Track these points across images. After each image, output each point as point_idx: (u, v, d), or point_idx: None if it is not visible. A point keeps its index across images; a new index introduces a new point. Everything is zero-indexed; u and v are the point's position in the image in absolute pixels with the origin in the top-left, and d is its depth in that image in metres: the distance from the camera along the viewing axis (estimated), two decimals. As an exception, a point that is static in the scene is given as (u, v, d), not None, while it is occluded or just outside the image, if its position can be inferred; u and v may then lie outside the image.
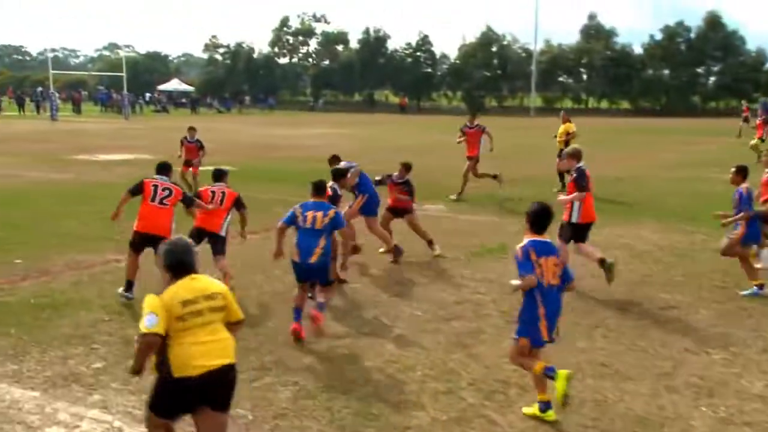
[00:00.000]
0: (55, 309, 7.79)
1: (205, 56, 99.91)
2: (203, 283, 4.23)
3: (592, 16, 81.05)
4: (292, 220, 7.22)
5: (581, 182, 8.63)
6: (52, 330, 7.18)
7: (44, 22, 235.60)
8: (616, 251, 10.31)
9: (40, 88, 69.59)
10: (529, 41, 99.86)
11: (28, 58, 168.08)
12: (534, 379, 5.49)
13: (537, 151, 26.37)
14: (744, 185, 8.58)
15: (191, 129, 16.25)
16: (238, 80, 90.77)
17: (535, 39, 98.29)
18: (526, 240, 5.37)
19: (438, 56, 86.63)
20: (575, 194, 8.66)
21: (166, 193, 8.34)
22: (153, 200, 8.26)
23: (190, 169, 16.13)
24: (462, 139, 15.88)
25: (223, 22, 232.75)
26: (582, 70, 78.50)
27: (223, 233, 8.62)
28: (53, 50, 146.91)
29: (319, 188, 7.39)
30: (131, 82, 68.20)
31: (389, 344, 6.93)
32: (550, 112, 62.72)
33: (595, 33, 77.85)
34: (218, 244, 8.56)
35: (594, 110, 74.57)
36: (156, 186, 8.34)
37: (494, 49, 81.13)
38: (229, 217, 8.66)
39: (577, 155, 8.80)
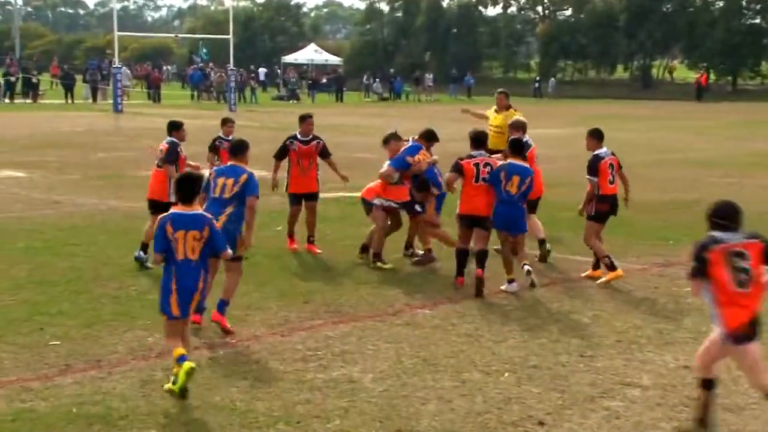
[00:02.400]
0: (109, 425, 8.20)
1: (362, 6, 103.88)
2: None
3: None
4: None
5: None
6: (103, 459, 7.58)
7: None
8: None
9: (108, 61, 73.41)
10: None
11: (82, 12, 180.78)
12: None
13: None
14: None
15: (227, 122, 16.70)
16: (415, 47, 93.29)
17: None
18: (171, 211, 8.75)
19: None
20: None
21: (161, 153, 14.27)
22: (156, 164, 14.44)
23: None
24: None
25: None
26: None
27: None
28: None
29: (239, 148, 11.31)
30: (241, 50, 71.85)
31: None
32: None
33: None
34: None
35: None
36: (161, 149, 14.36)
37: None
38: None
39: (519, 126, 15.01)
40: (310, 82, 77.40)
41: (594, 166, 13.33)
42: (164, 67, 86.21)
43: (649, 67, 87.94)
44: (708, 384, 8.05)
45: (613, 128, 42.67)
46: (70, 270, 13.88)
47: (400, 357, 10.04)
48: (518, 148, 13.46)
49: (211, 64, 78.21)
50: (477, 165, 12.88)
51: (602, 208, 13.36)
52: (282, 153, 15.74)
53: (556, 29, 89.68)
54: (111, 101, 55.95)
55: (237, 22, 72.88)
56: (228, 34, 61.80)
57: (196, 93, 72.12)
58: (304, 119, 15.91)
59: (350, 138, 35.18)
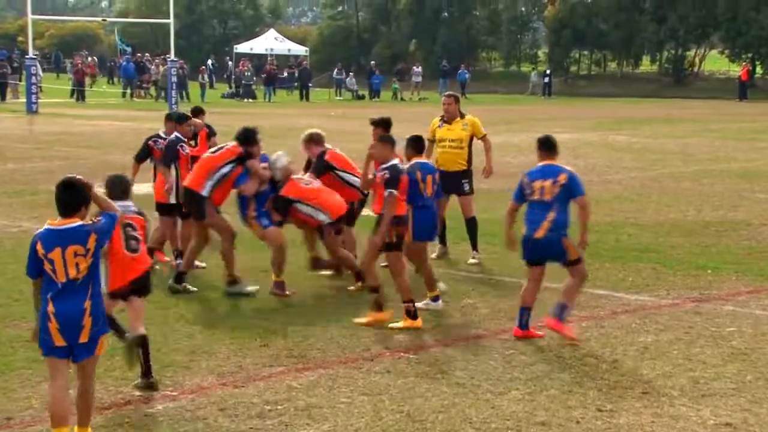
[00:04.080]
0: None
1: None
2: None
3: None
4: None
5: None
6: None
7: None
8: None
9: (20, 51, 73.25)
10: None
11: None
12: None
13: None
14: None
15: (188, 118, 16.95)
16: (399, 34, 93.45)
17: None
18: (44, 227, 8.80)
19: None
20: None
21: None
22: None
23: None
24: None
25: None
26: None
27: None
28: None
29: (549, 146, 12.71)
30: (184, 37, 71.47)
31: None
32: None
33: None
34: None
35: None
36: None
37: None
38: None
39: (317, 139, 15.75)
40: (264, 76, 76.16)
41: (396, 178, 12.98)
42: (89, 58, 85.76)
43: (682, 58, 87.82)
44: (111, 323, 10.01)
45: (640, 133, 43.14)
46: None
47: (378, 412, 9.96)
48: (419, 144, 14.02)
49: (147, 55, 77.76)
50: None
51: (403, 230, 13.21)
52: (174, 158, 16.01)
53: (568, 12, 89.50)
54: (24, 100, 55.74)
55: (179, 3, 72.77)
56: (168, 17, 61.61)
57: (128, 88, 71.80)
58: (184, 120, 16.48)
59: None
